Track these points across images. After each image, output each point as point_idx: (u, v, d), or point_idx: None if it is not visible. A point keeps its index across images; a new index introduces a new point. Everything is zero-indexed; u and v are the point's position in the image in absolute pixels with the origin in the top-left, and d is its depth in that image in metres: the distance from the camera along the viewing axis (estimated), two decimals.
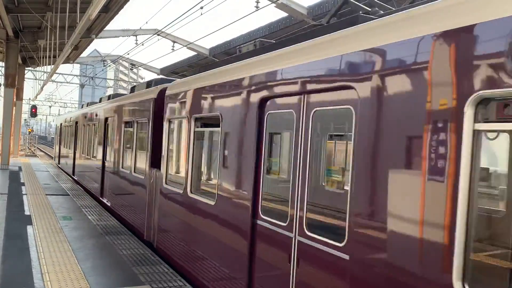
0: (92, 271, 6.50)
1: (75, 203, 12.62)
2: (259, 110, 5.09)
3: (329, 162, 4.32)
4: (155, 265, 6.98)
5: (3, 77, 26.76)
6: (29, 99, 55.41)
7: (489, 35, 2.62)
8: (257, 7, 17.64)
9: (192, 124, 6.98)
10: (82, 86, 47.62)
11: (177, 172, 7.70)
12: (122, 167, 11.12)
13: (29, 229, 8.88)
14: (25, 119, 72.58)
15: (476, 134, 2.71)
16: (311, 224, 4.10)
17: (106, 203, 12.41)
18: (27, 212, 10.67)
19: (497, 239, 3.09)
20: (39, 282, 5.89)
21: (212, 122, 6.43)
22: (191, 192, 6.81)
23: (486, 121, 2.71)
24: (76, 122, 19.46)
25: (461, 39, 2.82)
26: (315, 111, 4.20)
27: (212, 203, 5.98)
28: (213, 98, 6.33)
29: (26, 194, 13.56)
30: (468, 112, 2.70)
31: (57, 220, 9.94)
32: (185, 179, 7.01)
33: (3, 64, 27.63)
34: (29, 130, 61.83)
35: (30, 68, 37.50)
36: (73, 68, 51.54)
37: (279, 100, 4.81)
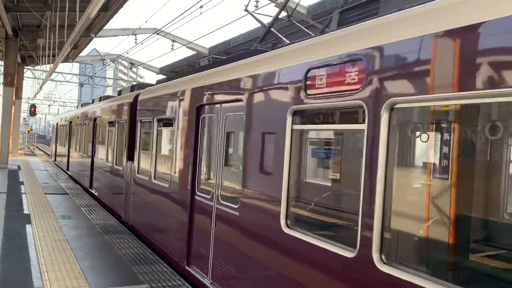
0: (91, 270, 6.50)
1: (74, 202, 12.61)
2: (197, 114, 6.84)
3: (235, 152, 5.93)
4: (154, 265, 6.98)
5: (2, 75, 26.74)
6: (28, 98, 55.40)
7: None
8: (256, 6, 17.64)
9: (155, 124, 8.70)
10: (81, 85, 47.59)
11: (145, 163, 9.31)
12: (106, 161, 12.79)
13: (28, 228, 8.87)
14: (24, 118, 72.53)
15: (293, 132, 4.53)
16: (223, 196, 5.94)
17: (94, 193, 14.17)
18: (26, 211, 10.66)
19: None
20: (38, 281, 5.89)
21: (169, 123, 8.05)
22: (154, 178, 8.52)
23: (296, 123, 4.52)
24: (70, 122, 21.14)
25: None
26: (226, 116, 6.01)
27: (167, 185, 7.74)
28: (168, 104, 8.09)
29: (25, 193, 13.55)
30: (289, 118, 4.52)
31: (56, 219, 9.94)
32: (150, 169, 8.75)
33: (2, 63, 27.61)
34: (28, 129, 61.78)
35: (29, 67, 37.48)
36: (72, 67, 51.50)
37: (207, 107, 6.59)
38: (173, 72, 35.34)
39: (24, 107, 52.98)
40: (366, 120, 3.48)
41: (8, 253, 7.06)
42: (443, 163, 3.08)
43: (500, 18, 2.60)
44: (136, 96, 10.32)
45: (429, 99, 2.99)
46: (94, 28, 22.89)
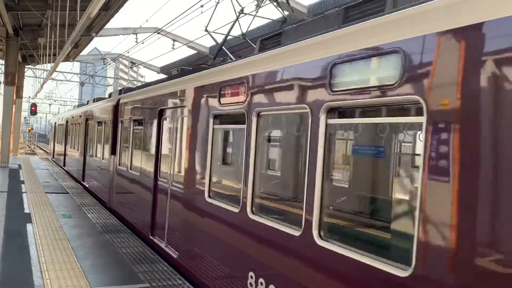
0: (92, 269, 6.50)
1: (75, 201, 12.62)
2: (159, 116, 8.51)
3: (182, 146, 7.41)
4: (154, 264, 6.98)
5: (3, 75, 26.75)
6: (29, 97, 55.40)
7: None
8: (257, 5, 17.62)
9: (131, 124, 10.45)
10: (82, 84, 47.60)
11: (124, 157, 11.10)
12: (95, 157, 14.59)
13: (29, 227, 8.88)
14: (25, 117, 72.57)
15: (214, 130, 6.29)
16: (175, 180, 7.55)
17: (86, 185, 15.99)
18: (26, 210, 10.67)
19: None
20: (39, 280, 5.90)
21: (140, 123, 9.74)
22: (130, 169, 10.32)
23: (216, 124, 6.30)
24: (67, 122, 23.05)
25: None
26: (179, 117, 7.61)
27: (138, 174, 9.53)
28: (140, 107, 9.82)
29: (25, 192, 13.57)
30: (211, 120, 6.32)
31: (57, 218, 9.95)
32: (127, 161, 10.54)
33: (3, 62, 27.60)
34: (29, 128, 61.79)
35: (30, 66, 37.47)
36: (73, 66, 51.53)
37: (167, 111, 8.23)
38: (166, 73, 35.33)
39: (25, 106, 53.02)
40: (246, 122, 5.31)
41: (9, 252, 7.07)
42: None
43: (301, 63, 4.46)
44: (118, 100, 11.99)
45: (274, 109, 4.84)
46: (95, 27, 22.88)
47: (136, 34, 28.27)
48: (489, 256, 2.57)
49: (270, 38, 5.86)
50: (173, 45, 28.81)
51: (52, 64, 24.51)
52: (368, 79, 3.54)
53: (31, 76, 42.88)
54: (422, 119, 3.02)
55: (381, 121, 3.60)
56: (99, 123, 14.20)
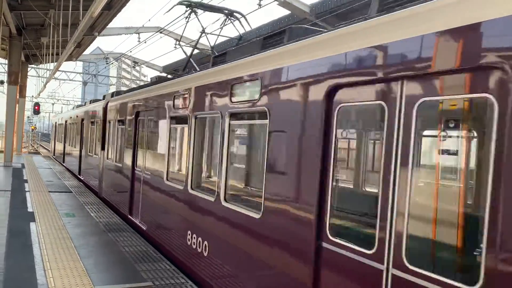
0: (95, 268, 6.53)
1: (78, 200, 12.66)
2: (135, 118, 10.48)
3: (151, 142, 9.28)
4: (157, 262, 7.01)
5: (6, 74, 26.81)
6: (32, 96, 55.49)
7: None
8: (259, 4, 17.62)
9: (116, 123, 12.52)
10: (84, 83, 47.67)
11: (111, 152, 13.07)
12: (89, 152, 16.65)
13: (32, 226, 8.92)
14: (28, 117, 72.71)
15: (171, 129, 8.25)
16: (147, 168, 9.45)
17: (82, 178, 18.02)
18: (30, 209, 10.71)
19: None
20: (42, 278, 5.93)
21: (123, 123, 11.64)
22: (115, 161, 12.37)
23: (173, 124, 8.18)
24: (66, 121, 25.37)
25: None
26: (149, 119, 9.51)
27: (121, 165, 11.55)
28: (121, 110, 11.98)
29: (29, 191, 13.62)
30: (168, 120, 8.25)
31: (60, 217, 9.98)
32: (114, 155, 12.50)
33: (6, 61, 27.67)
34: (32, 128, 61.92)
35: (33, 66, 37.55)
36: (76, 66, 51.60)
37: (142, 113, 10.13)
38: (176, 70, 35.37)
39: (28, 105, 53.15)
40: (189, 122, 7.15)
41: (12, 250, 7.10)
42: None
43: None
44: (107, 103, 13.99)
45: (203, 113, 6.69)
46: (97, 26, 22.91)
47: (138, 33, 28.30)
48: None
49: (220, 55, 7.29)
50: (175, 44, 28.82)
51: (55, 63, 24.55)
52: (247, 95, 5.51)
53: (34, 75, 42.97)
54: (267, 121, 4.92)
55: (252, 122, 5.61)
56: (92, 123, 16.50)
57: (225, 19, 9.57)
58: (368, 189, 3.73)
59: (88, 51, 35.80)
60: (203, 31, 10.06)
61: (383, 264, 3.26)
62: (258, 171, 5.36)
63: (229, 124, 5.81)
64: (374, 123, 3.61)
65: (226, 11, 9.66)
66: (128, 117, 11.15)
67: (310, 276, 3.94)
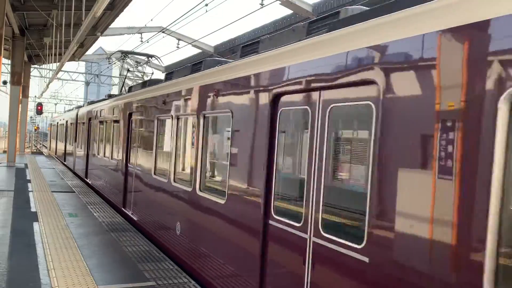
0: (98, 267, 6.54)
1: (81, 200, 12.69)
2: (88, 121, 16.79)
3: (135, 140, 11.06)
4: (160, 262, 7.01)
5: (9, 74, 26.88)
6: (35, 96, 55.63)
7: None
8: (262, 4, 17.61)
9: (96, 123, 16.07)
10: (87, 83, 47.77)
11: (79, 144, 18.23)
12: (80, 148, 19.86)
13: (35, 225, 8.94)
14: (31, 117, 72.90)
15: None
16: (131, 163, 11.17)
17: (75, 171, 21.18)
18: (33, 209, 10.74)
19: None
20: (45, 278, 5.94)
21: (102, 123, 14.98)
22: (95, 154, 15.87)
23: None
24: (57, 123, 31.94)
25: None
26: (94, 122, 15.98)
27: (101, 156, 14.76)
28: (87, 114, 17.85)
29: (32, 191, 13.65)
30: (155, 121, 9.41)
31: (63, 217, 10.01)
32: (99, 150, 15.33)
33: (9, 61, 27.74)
34: (35, 128, 62.07)
35: (36, 66, 37.64)
36: (79, 66, 51.69)
37: (93, 118, 16.22)
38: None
39: (31, 105, 53.24)
40: (172, 122, 8.24)
41: (16, 250, 7.12)
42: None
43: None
44: (77, 111, 18.98)
45: (183, 114, 7.78)
46: (100, 27, 22.95)
47: (141, 33, 28.33)
48: None
49: (195, 64, 8.48)
50: (178, 44, 28.85)
51: (58, 63, 24.60)
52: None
53: (37, 75, 43.08)
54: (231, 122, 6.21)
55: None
56: (71, 124, 23.20)
57: (147, 61, 15.95)
58: (301, 177, 4.56)
59: (90, 51, 35.88)
60: (128, 70, 18.25)
61: (306, 233, 4.34)
62: (224, 164, 6.21)
63: (204, 123, 6.97)
64: (304, 123, 4.59)
65: (147, 55, 16.60)
66: (93, 121, 16.42)
67: (259, 246, 5.04)
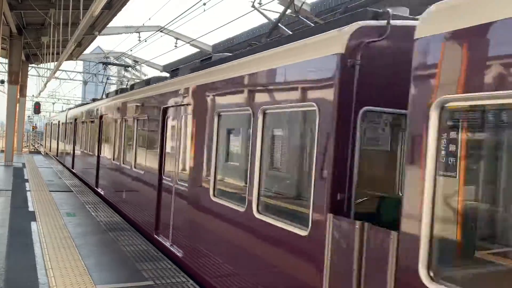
0: (96, 267, 6.53)
1: (79, 199, 12.66)
2: (100, 119, 14.68)
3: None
4: (158, 261, 7.00)
5: (6, 74, 26.80)
6: (33, 96, 55.48)
7: None
8: (260, 3, 17.59)
9: (80, 123, 18.79)
10: (85, 83, 47.66)
11: (84, 144, 17.99)
12: (68, 145, 22.64)
13: (33, 225, 8.92)
14: (29, 116, 72.70)
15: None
16: (102, 155, 14.17)
17: (67, 165, 22.96)
18: (31, 208, 10.71)
19: None
20: (43, 277, 5.93)
21: (90, 123, 16.51)
22: (66, 144, 22.67)
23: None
24: (51, 123, 35.79)
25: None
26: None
27: (92, 153, 15.56)
28: (90, 113, 17.09)
29: (30, 191, 13.62)
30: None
31: (61, 217, 9.99)
32: (86, 146, 16.96)
33: (6, 61, 27.65)
34: (33, 127, 61.89)
35: (33, 65, 37.53)
36: (76, 65, 51.58)
37: (104, 116, 14.47)
38: (177, 69, 35.23)
39: (29, 105, 53.09)
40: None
41: (13, 250, 7.11)
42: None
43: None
44: (67, 112, 20.02)
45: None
46: (97, 26, 22.88)
47: (139, 32, 28.26)
48: None
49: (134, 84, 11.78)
50: (176, 43, 28.80)
51: (56, 63, 24.55)
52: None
53: (35, 75, 42.95)
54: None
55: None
56: (62, 124, 26.46)
57: (125, 68, 21.66)
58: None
59: (88, 50, 35.77)
60: (108, 77, 21.43)
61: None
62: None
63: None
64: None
65: (125, 64, 20.79)
66: (96, 119, 16.89)
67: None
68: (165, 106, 8.48)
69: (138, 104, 10.32)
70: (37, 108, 37.16)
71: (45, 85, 33.03)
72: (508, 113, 2.69)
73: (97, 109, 15.38)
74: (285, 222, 4.55)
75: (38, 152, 41.09)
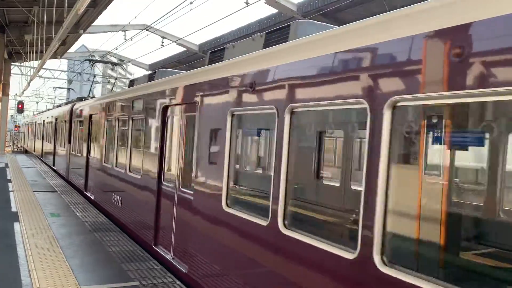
0: (81, 268, 6.45)
1: (63, 199, 12.50)
2: (89, 119, 14.10)
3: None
4: (144, 262, 6.95)
5: None
6: (16, 94, 54.63)
7: None
8: (247, 3, 17.58)
9: (77, 123, 16.44)
10: (69, 81, 47.08)
11: (75, 144, 16.89)
12: (60, 145, 20.84)
13: (16, 226, 8.77)
14: (12, 115, 71.55)
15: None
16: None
17: (54, 167, 22.41)
18: (14, 209, 10.54)
19: None
20: (27, 279, 5.83)
21: (81, 122, 15.69)
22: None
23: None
24: (29, 123, 37.85)
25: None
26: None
27: (80, 155, 15.12)
28: (83, 113, 15.82)
29: (12, 191, 13.40)
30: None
31: (45, 217, 9.85)
32: (77, 147, 16.06)
33: None
34: (16, 129, 60.93)
35: (16, 63, 36.96)
36: (61, 64, 50.89)
37: (94, 116, 13.68)
38: (163, 67, 35.06)
39: (12, 104, 52.23)
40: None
41: None
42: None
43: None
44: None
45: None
46: (82, 24, 22.64)
47: (124, 31, 28.03)
48: None
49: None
50: (162, 42, 28.64)
51: (39, 61, 24.20)
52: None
53: (18, 73, 42.29)
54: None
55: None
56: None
57: (113, 66, 23.48)
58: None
59: (73, 48, 35.39)
60: (95, 76, 20.41)
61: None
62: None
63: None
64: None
65: (112, 63, 22.76)
66: (87, 119, 16.79)
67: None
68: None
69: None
70: (20, 107, 36.59)
71: (28, 83, 32.54)
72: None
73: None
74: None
75: (22, 152, 40.45)
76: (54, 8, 15.93)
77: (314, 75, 4.01)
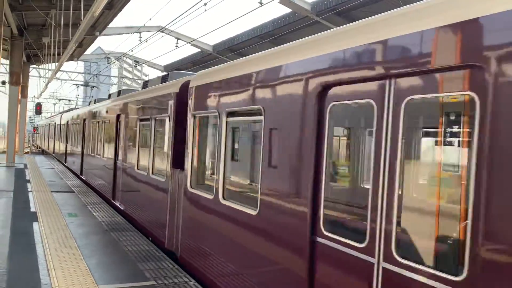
0: (98, 267, 6.54)
1: (80, 200, 12.68)
2: (83, 122, 18.57)
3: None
4: (160, 261, 7.01)
5: (8, 74, 26.83)
6: (34, 96, 55.54)
7: None
8: (260, 3, 17.58)
9: (72, 125, 22.20)
10: (86, 84, 47.71)
11: (74, 143, 20.78)
12: (67, 144, 23.53)
13: (35, 226, 8.93)
14: (30, 117, 72.76)
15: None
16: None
17: (64, 163, 24.65)
18: (33, 209, 10.73)
19: None
20: (46, 278, 5.93)
21: (77, 124, 20.20)
22: (58, 141, 27.68)
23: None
24: (49, 124, 38.80)
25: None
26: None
27: (79, 151, 19.12)
28: (67, 118, 24.50)
29: (31, 191, 13.64)
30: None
31: (63, 217, 10.00)
32: (76, 145, 19.83)
33: (8, 62, 27.68)
34: (34, 130, 61.96)
35: (34, 66, 37.58)
36: (77, 66, 51.63)
37: (88, 119, 17.58)
38: (177, 69, 35.35)
39: (30, 105, 53.17)
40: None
41: (16, 250, 7.12)
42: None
43: None
44: (61, 115, 23.31)
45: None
46: (98, 26, 22.91)
47: (139, 33, 28.28)
48: None
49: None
50: (177, 43, 28.81)
51: (57, 63, 24.58)
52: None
53: (36, 76, 43.00)
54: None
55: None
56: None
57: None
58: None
59: (89, 50, 35.82)
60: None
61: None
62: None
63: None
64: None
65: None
66: (84, 121, 18.57)
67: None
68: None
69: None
70: (38, 109, 37.20)
71: (46, 85, 33.07)
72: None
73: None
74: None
75: (40, 153, 41.14)
76: (71, 11, 16.17)
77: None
